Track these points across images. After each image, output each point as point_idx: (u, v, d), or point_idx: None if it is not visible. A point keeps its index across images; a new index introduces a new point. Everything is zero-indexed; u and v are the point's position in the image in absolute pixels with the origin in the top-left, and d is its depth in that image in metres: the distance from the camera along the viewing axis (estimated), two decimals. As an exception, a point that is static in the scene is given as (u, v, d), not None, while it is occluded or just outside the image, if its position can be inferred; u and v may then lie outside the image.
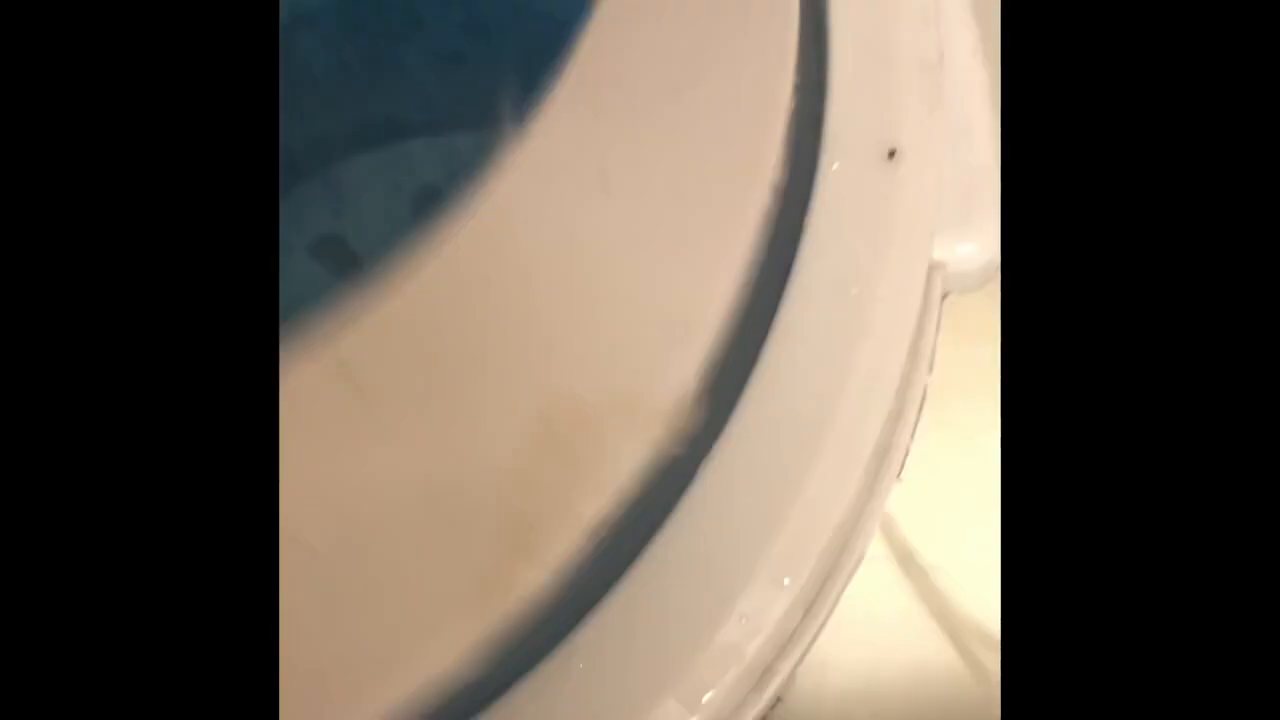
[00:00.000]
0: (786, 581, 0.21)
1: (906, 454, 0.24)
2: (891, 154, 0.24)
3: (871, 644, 0.43)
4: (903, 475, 0.24)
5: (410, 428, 0.21)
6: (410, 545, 0.20)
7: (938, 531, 0.43)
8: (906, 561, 0.44)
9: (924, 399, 0.25)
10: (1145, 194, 0.19)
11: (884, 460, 0.23)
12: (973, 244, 0.26)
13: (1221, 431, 0.18)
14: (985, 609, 0.43)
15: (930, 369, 0.25)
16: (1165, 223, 0.19)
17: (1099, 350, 0.19)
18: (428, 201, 0.38)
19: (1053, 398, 0.19)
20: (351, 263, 0.38)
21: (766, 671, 0.21)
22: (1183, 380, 0.18)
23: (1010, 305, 0.19)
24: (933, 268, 0.26)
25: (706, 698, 0.20)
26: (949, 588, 0.43)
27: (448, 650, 0.19)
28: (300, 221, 0.38)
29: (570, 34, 0.25)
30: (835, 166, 0.24)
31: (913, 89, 0.25)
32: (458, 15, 0.37)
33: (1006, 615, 0.18)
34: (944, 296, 0.26)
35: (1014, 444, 0.19)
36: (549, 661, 0.20)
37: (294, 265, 0.37)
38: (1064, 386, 0.19)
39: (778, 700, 0.22)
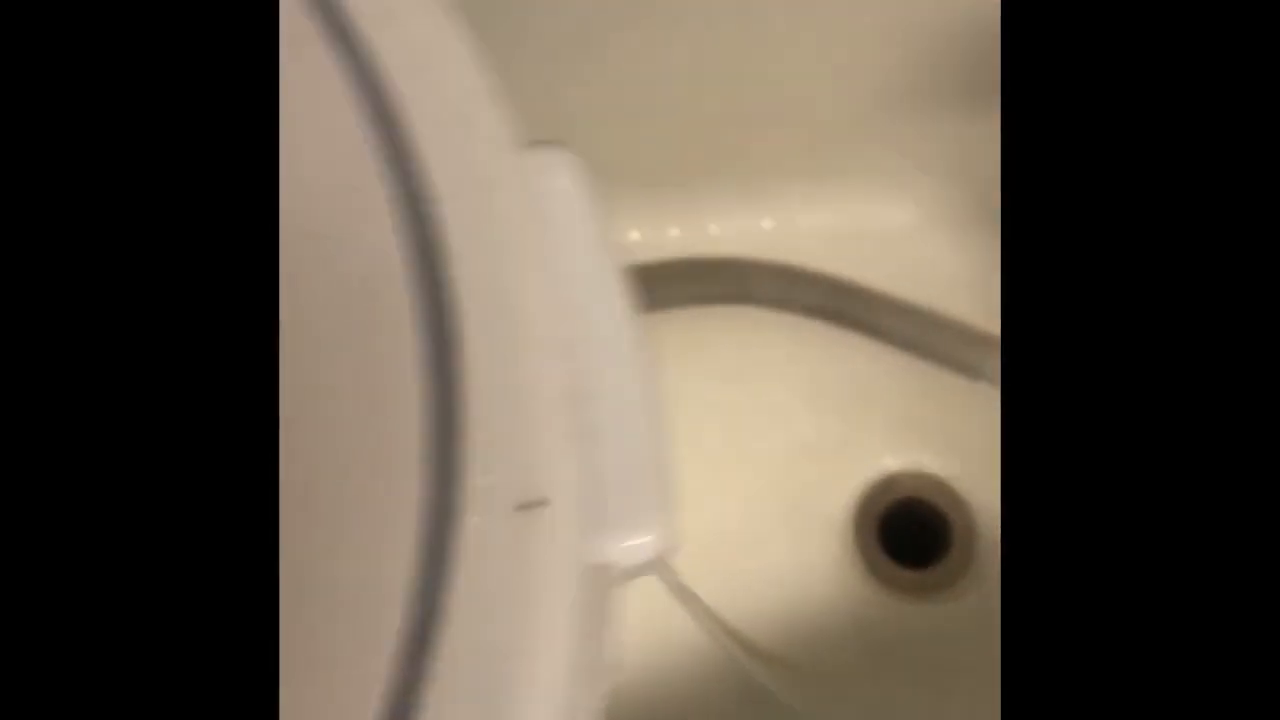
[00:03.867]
0: None
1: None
2: (530, 505, 0.25)
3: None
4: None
5: None
6: None
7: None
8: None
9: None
10: (1144, 197, 0.19)
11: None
12: (640, 538, 0.27)
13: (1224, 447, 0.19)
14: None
15: (611, 655, 0.26)
16: (1164, 227, 0.19)
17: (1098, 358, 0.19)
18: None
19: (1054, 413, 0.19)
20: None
21: None
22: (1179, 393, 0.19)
23: (1011, 307, 0.20)
24: (598, 571, 0.26)
25: None
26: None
27: None
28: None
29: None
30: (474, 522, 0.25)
31: (552, 427, 0.26)
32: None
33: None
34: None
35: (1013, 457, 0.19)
36: None
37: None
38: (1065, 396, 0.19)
39: None
